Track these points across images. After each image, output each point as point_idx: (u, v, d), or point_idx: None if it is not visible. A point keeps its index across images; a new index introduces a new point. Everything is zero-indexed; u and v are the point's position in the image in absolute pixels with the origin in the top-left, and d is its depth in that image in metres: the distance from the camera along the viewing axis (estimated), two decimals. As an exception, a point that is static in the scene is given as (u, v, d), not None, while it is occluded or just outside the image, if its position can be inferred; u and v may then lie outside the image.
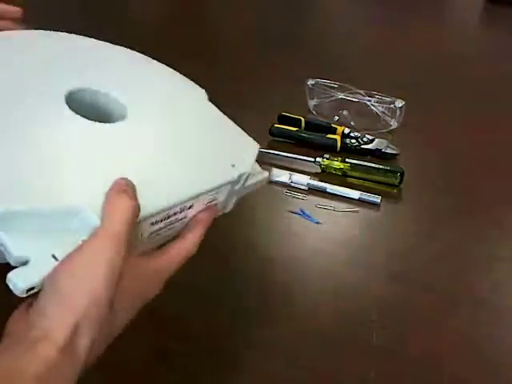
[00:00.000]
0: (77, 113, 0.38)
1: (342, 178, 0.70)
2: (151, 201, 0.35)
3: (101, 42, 0.49)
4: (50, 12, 1.37)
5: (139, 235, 0.36)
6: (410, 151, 0.75)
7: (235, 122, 0.87)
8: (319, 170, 0.71)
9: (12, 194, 0.30)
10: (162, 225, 0.38)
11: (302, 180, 0.68)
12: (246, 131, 0.85)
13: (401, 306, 0.52)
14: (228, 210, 0.46)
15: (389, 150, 0.73)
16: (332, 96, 0.82)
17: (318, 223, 0.63)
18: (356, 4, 1.42)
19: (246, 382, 0.45)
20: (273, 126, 0.78)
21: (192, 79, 0.56)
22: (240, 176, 0.42)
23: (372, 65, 1.02)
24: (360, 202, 0.66)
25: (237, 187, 0.43)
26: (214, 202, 0.42)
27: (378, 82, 0.90)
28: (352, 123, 0.81)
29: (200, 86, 0.55)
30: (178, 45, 1.15)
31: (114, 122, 0.40)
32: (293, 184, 0.69)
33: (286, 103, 0.86)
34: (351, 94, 0.81)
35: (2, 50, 0.40)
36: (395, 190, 0.68)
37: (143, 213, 0.34)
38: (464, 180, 0.70)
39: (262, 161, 0.73)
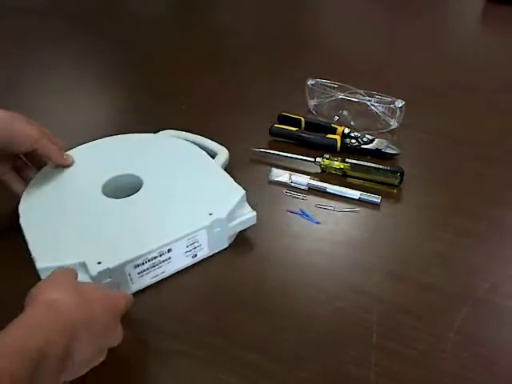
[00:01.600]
0: (109, 192, 0.59)
1: (342, 178, 0.70)
2: (129, 249, 0.51)
3: (136, 135, 0.70)
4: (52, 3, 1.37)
5: (127, 275, 0.51)
6: (410, 151, 0.75)
7: (235, 123, 0.88)
8: (319, 170, 0.71)
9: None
10: (146, 266, 0.52)
11: (302, 180, 0.68)
12: (246, 131, 0.86)
13: (401, 305, 0.52)
14: (226, 245, 0.59)
15: (389, 150, 0.73)
16: (332, 96, 0.82)
17: (317, 223, 0.63)
18: (356, 4, 1.42)
19: (245, 381, 0.45)
20: (273, 126, 0.78)
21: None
22: (214, 221, 0.54)
23: (372, 65, 1.02)
24: (360, 202, 0.66)
25: (217, 230, 0.55)
26: (198, 244, 0.55)
27: (378, 82, 0.90)
28: (352, 123, 0.81)
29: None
30: (177, 44, 1.15)
31: (137, 190, 0.59)
32: (293, 184, 0.69)
33: (285, 103, 0.86)
34: (351, 93, 0.81)
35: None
36: (395, 190, 0.68)
37: (124, 258, 0.50)
38: (464, 180, 0.70)
39: (262, 161, 0.74)
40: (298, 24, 1.27)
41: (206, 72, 1.00)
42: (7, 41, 1.19)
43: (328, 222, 0.63)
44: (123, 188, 0.60)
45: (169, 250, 0.53)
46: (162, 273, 0.54)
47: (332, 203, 0.66)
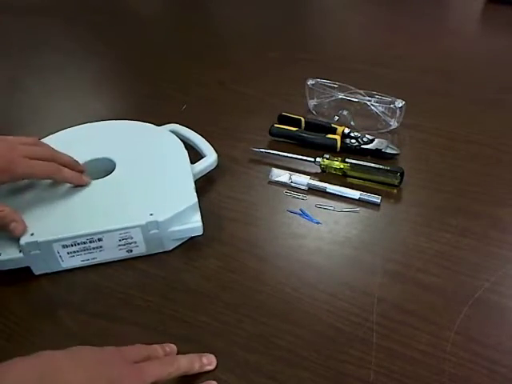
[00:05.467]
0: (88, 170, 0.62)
1: (342, 178, 0.70)
2: (61, 229, 0.54)
3: (116, 121, 0.74)
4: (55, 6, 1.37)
5: (56, 252, 0.54)
6: (410, 151, 0.75)
7: (235, 123, 0.88)
8: (319, 170, 0.71)
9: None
10: (76, 248, 0.54)
11: (302, 180, 0.68)
12: (246, 131, 0.86)
13: (401, 305, 0.52)
14: (167, 249, 0.58)
15: (389, 150, 0.73)
16: (332, 96, 0.82)
17: (318, 223, 0.63)
18: (356, 4, 1.42)
19: (245, 382, 0.45)
20: (273, 126, 0.78)
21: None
22: (150, 223, 0.55)
23: (372, 65, 1.02)
24: (360, 202, 0.66)
25: (155, 231, 0.55)
26: (132, 241, 0.56)
27: (378, 82, 0.90)
28: (352, 123, 0.81)
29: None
30: (177, 45, 1.15)
31: (110, 172, 0.62)
32: (293, 184, 0.69)
33: (285, 103, 0.86)
34: (351, 94, 0.81)
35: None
36: (395, 190, 0.68)
37: (52, 236, 0.53)
38: (464, 180, 0.70)
39: (262, 161, 0.74)
40: (297, 24, 1.27)
41: (206, 72, 1.00)
42: (7, 40, 1.19)
43: (328, 222, 0.63)
44: (99, 171, 0.63)
45: (99, 239, 0.54)
46: (94, 259, 0.56)
47: (332, 203, 0.66)
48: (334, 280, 0.55)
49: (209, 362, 0.46)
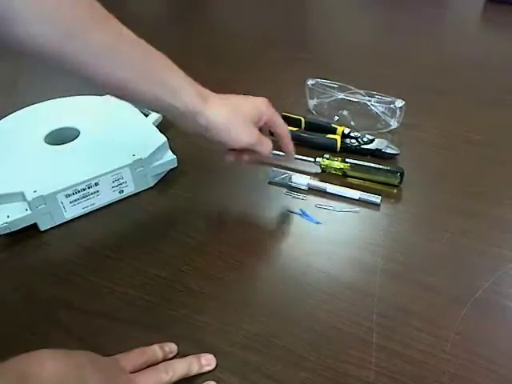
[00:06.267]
0: (52, 141, 0.69)
1: (342, 178, 0.70)
2: (61, 181, 0.60)
3: (78, 97, 0.79)
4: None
5: (60, 203, 0.60)
6: (410, 151, 0.75)
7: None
8: (319, 170, 0.71)
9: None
10: (77, 196, 0.61)
11: (302, 180, 0.68)
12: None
13: (401, 305, 0.52)
14: (151, 184, 0.68)
15: (389, 150, 0.73)
16: (332, 96, 0.82)
17: (318, 223, 0.63)
18: (356, 4, 1.42)
19: (245, 381, 0.45)
20: (273, 125, 0.78)
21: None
22: (136, 161, 0.64)
23: (372, 65, 1.02)
24: (360, 202, 0.66)
25: (141, 169, 0.65)
26: (123, 180, 0.64)
27: (378, 82, 0.90)
28: (352, 123, 0.81)
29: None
30: (177, 44, 1.15)
31: (74, 139, 0.68)
32: (293, 184, 0.69)
33: (286, 103, 0.86)
34: (351, 94, 0.81)
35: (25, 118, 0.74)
36: (395, 190, 0.68)
37: (56, 188, 0.59)
38: (464, 180, 0.70)
39: (262, 161, 0.73)
40: (297, 24, 1.27)
41: (206, 72, 1.00)
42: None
43: (328, 222, 0.63)
44: (64, 138, 0.69)
45: (96, 184, 0.62)
46: (92, 204, 0.64)
47: (332, 203, 0.66)
48: (334, 280, 0.55)
49: (208, 362, 0.46)
